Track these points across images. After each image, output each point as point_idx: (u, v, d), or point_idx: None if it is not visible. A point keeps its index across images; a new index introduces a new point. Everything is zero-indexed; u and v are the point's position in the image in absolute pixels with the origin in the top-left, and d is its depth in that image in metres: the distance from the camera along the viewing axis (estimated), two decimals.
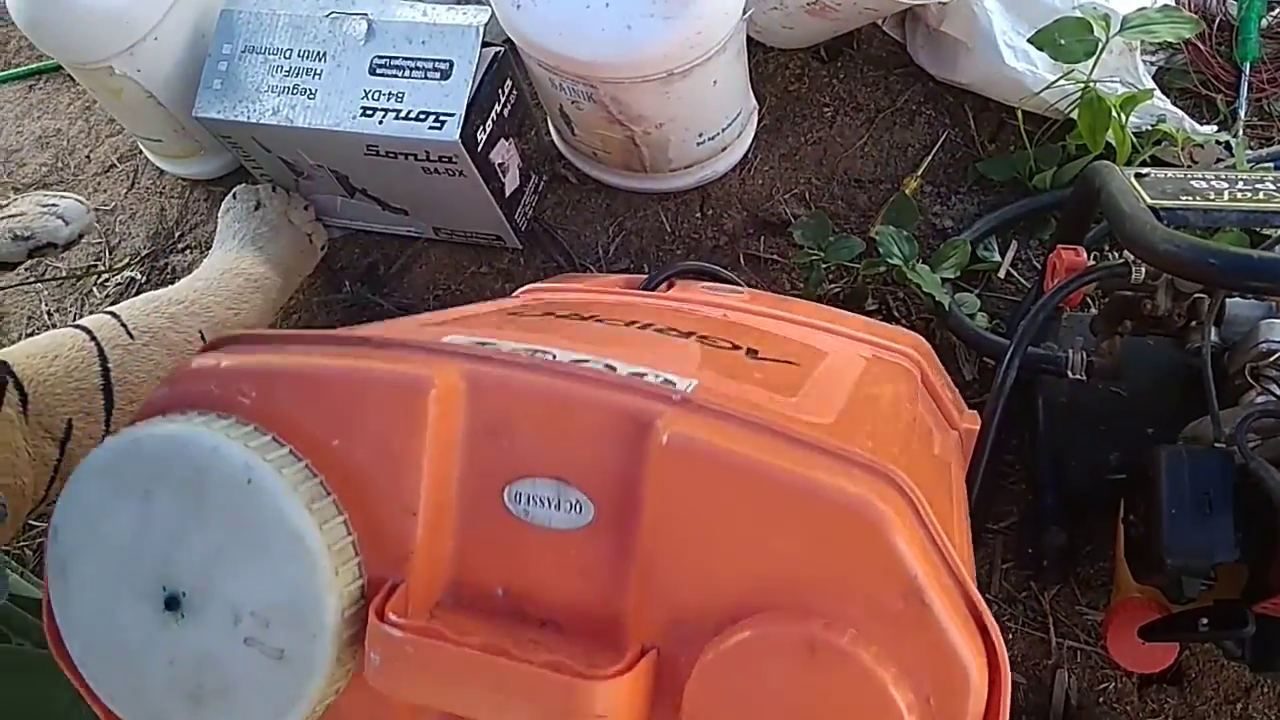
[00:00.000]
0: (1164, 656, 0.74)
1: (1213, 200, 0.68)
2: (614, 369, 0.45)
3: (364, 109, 0.93)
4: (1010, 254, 0.99)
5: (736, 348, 0.56)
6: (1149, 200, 0.68)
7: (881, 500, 0.39)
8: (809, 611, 0.40)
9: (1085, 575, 0.87)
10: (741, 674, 0.40)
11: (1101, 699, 0.83)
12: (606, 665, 0.40)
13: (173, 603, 0.43)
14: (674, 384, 0.44)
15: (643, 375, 0.45)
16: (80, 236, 0.99)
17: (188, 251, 1.17)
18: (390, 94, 0.93)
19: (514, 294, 0.77)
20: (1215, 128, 0.98)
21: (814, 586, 0.40)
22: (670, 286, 0.78)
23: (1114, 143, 0.95)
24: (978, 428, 0.72)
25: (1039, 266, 0.99)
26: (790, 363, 0.55)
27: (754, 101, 1.07)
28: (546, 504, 0.43)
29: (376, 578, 0.44)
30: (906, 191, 1.01)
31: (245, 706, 0.43)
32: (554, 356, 0.46)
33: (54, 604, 0.46)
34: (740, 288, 0.81)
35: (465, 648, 0.41)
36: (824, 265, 0.96)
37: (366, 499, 0.44)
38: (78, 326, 0.84)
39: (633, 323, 0.58)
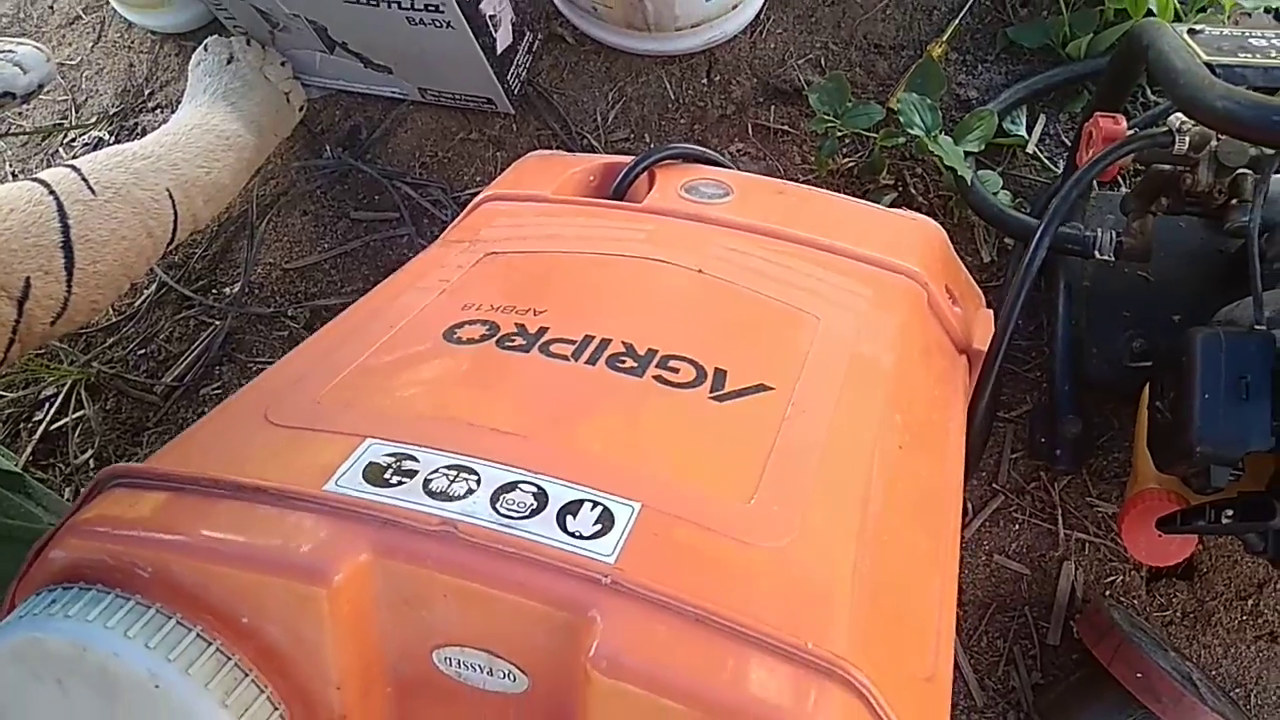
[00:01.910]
0: (1180, 550, 0.71)
1: (1274, 58, 0.62)
2: (544, 499, 0.40)
3: None
4: (1039, 128, 0.93)
5: (700, 377, 0.48)
6: (1204, 57, 0.61)
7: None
8: None
9: (1098, 466, 0.84)
10: None
11: (1108, 592, 0.81)
12: None
13: None
14: (606, 544, 0.39)
15: (577, 506, 0.40)
16: (40, 87, 0.92)
17: (158, 110, 1.09)
18: None
19: (466, 235, 0.65)
20: None
21: None
22: (652, 180, 0.70)
23: (1155, 9, 0.88)
24: (986, 349, 0.66)
25: (1068, 143, 0.93)
26: (764, 387, 0.48)
27: None
28: (478, 669, 0.40)
29: None
30: (933, 56, 0.94)
31: None
32: (474, 491, 0.41)
33: None
34: (730, 172, 0.72)
35: None
36: (839, 134, 0.90)
37: (288, 670, 0.40)
38: (35, 180, 0.78)
39: (589, 339, 0.50)
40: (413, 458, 0.42)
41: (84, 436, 0.99)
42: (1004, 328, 0.70)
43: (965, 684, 0.80)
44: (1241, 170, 0.71)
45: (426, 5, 0.85)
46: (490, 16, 0.91)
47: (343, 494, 0.41)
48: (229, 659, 0.40)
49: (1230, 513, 0.64)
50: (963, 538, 0.83)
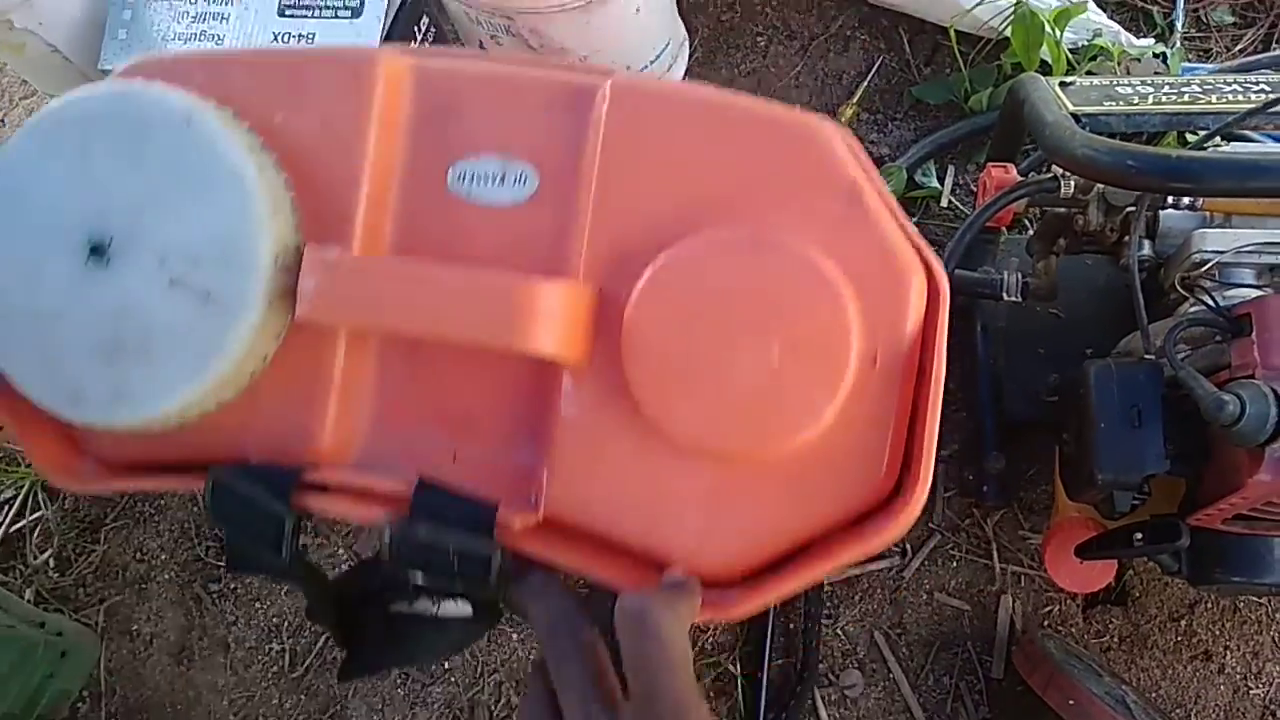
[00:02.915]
0: (1102, 575, 0.73)
1: (1136, 105, 0.66)
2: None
3: None
4: (949, 180, 0.97)
5: None
6: (1071, 108, 0.66)
7: (820, 121, 0.43)
8: (752, 222, 0.42)
9: (1027, 500, 0.86)
10: (685, 277, 0.42)
11: (1046, 622, 0.83)
12: None
13: (98, 250, 0.43)
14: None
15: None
16: None
17: None
18: (300, 35, 0.90)
19: None
20: (1152, 40, 0.96)
21: (755, 202, 0.42)
22: None
23: (1049, 59, 0.93)
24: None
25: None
26: None
27: (684, 32, 1.03)
28: (490, 180, 0.44)
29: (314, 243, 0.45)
30: (843, 120, 0.99)
31: (166, 357, 0.42)
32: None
33: None
34: None
35: (404, 256, 0.44)
36: None
37: (309, 172, 0.45)
38: None
39: None
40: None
41: (43, 537, 1.01)
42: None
43: None
44: (1130, 207, 0.74)
45: None
46: None
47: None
48: (257, 138, 0.44)
49: (1140, 536, 0.66)
50: (902, 578, 0.86)
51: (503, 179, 0.44)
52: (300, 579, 0.48)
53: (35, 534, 1.01)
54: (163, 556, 0.98)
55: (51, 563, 0.99)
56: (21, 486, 1.02)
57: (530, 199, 0.44)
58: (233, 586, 0.96)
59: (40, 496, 1.01)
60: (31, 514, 1.01)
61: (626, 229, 0.43)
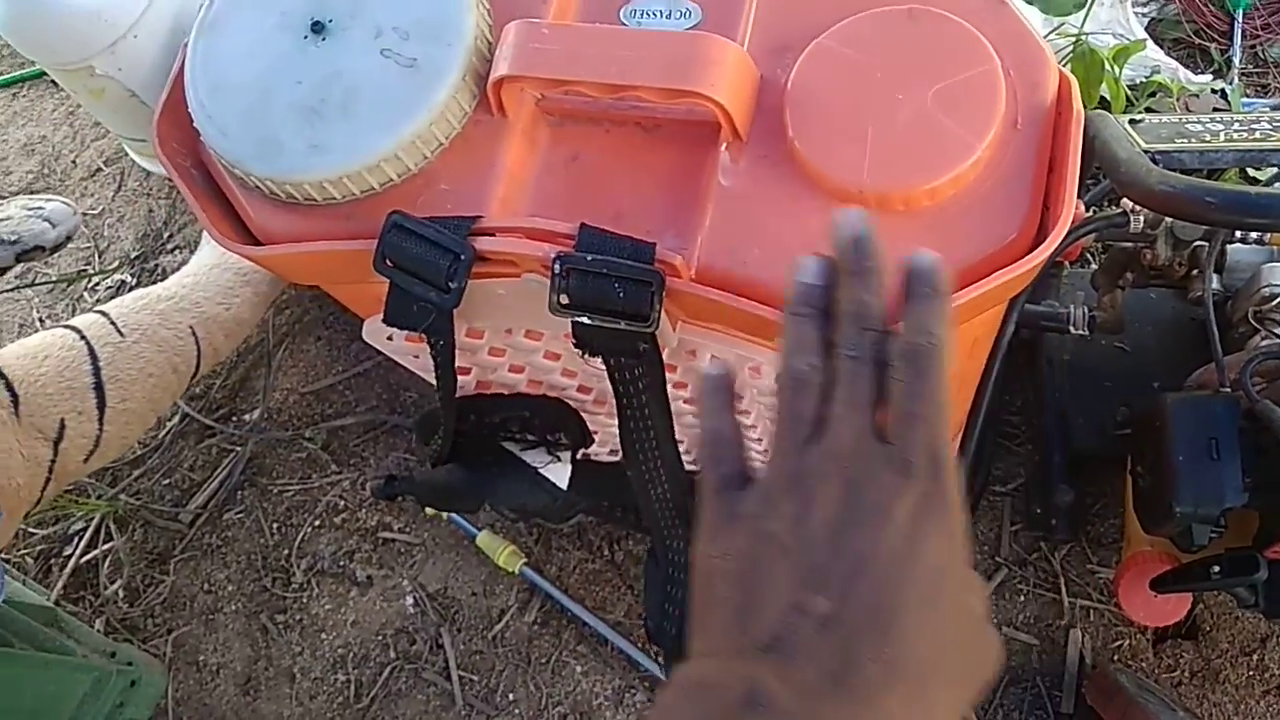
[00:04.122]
0: (1177, 609, 0.73)
1: (1208, 142, 0.67)
2: None
3: None
4: None
5: None
6: (1144, 145, 0.66)
7: None
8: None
9: (1095, 533, 0.86)
10: (847, 43, 0.48)
11: (1116, 656, 0.82)
12: None
13: (318, 27, 0.50)
14: None
15: None
16: (67, 239, 0.98)
17: (177, 251, 1.16)
18: None
19: None
20: (1210, 77, 0.97)
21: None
22: None
23: (1108, 96, 0.94)
24: None
25: None
26: None
27: None
28: (657, 15, 0.51)
29: None
30: None
31: (367, 114, 0.49)
32: None
33: (190, 64, 0.52)
34: None
35: (595, 24, 0.51)
36: None
37: None
38: (67, 326, 0.83)
39: None
40: None
41: (113, 568, 1.03)
42: (981, 398, 0.74)
43: None
44: (1198, 242, 0.75)
45: None
46: None
47: None
48: None
49: (1217, 569, 0.67)
50: None
51: (668, 13, 0.51)
52: (450, 333, 0.51)
53: (106, 565, 1.03)
54: (230, 588, 1.00)
55: (121, 593, 1.01)
56: (92, 518, 1.04)
57: (694, 28, 0.51)
58: (299, 618, 0.97)
59: (110, 528, 1.04)
60: (103, 544, 1.03)
61: (784, 31, 0.50)
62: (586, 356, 0.50)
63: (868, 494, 0.34)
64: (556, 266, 0.47)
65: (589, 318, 0.48)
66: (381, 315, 0.51)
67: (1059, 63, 0.94)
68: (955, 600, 0.34)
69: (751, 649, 0.32)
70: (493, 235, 0.49)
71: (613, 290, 0.46)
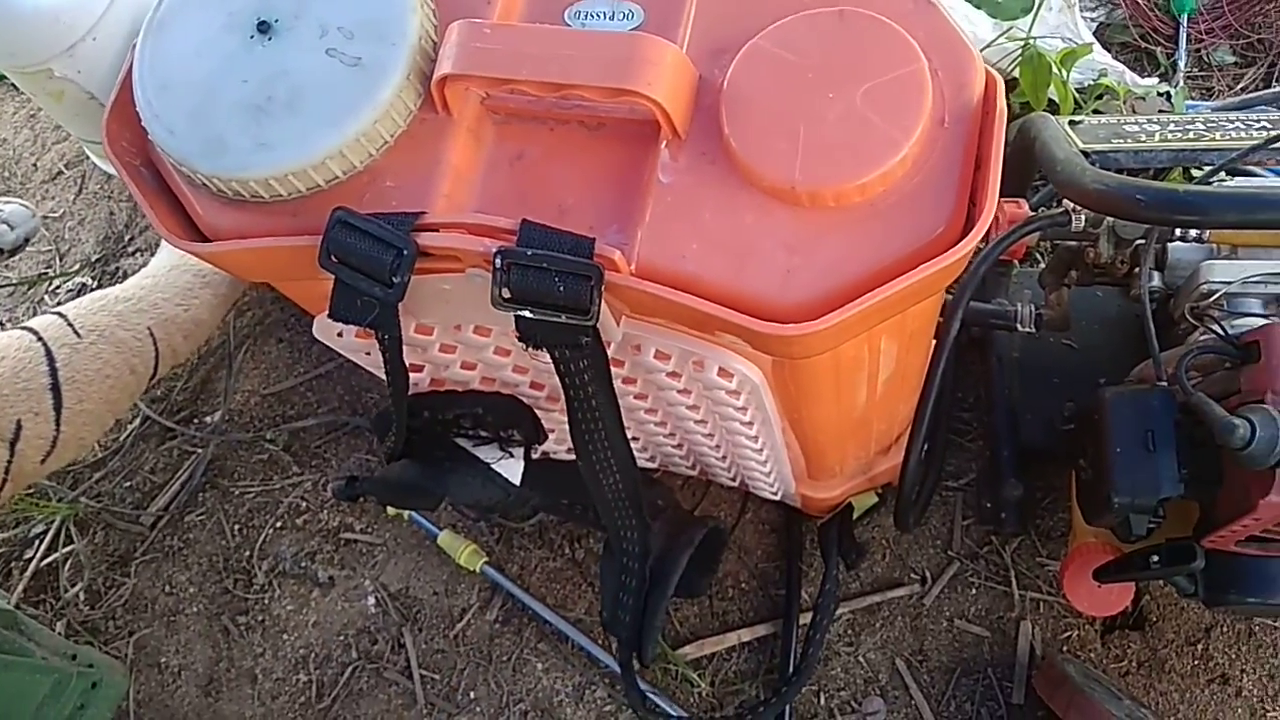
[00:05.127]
0: (1120, 598, 0.75)
1: (1144, 142, 0.69)
2: None
3: None
4: None
5: None
6: (1081, 145, 0.68)
7: None
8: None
9: (1044, 527, 0.88)
10: (780, 44, 0.49)
11: (1065, 647, 0.84)
12: None
13: (264, 27, 0.51)
14: None
15: None
16: (26, 242, 0.99)
17: (138, 254, 1.16)
18: None
19: None
20: (1156, 80, 0.99)
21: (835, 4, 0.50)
22: None
23: (1056, 99, 0.96)
24: None
25: None
26: None
27: None
28: (601, 16, 0.53)
29: None
30: None
31: (312, 111, 0.50)
32: None
33: (137, 63, 0.53)
34: None
35: (538, 24, 0.52)
36: None
37: None
38: (24, 328, 0.83)
39: None
40: None
41: (74, 570, 1.02)
42: (929, 390, 0.75)
43: None
44: (1139, 240, 0.77)
45: None
46: None
47: None
48: None
49: (1156, 559, 0.68)
50: (923, 606, 0.87)
51: (612, 15, 0.52)
52: (396, 328, 0.53)
53: (67, 567, 1.03)
54: (191, 589, 1.00)
55: (82, 596, 1.01)
56: (53, 521, 1.04)
57: (635, 30, 0.52)
58: (260, 619, 0.97)
59: (71, 531, 1.03)
60: (64, 547, 1.03)
61: (722, 32, 0.51)
62: (530, 350, 0.51)
63: None
64: (498, 261, 0.48)
65: (531, 311, 0.49)
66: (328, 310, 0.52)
67: (1009, 66, 0.96)
68: None
69: None
70: (436, 230, 0.50)
71: (553, 284, 0.48)
